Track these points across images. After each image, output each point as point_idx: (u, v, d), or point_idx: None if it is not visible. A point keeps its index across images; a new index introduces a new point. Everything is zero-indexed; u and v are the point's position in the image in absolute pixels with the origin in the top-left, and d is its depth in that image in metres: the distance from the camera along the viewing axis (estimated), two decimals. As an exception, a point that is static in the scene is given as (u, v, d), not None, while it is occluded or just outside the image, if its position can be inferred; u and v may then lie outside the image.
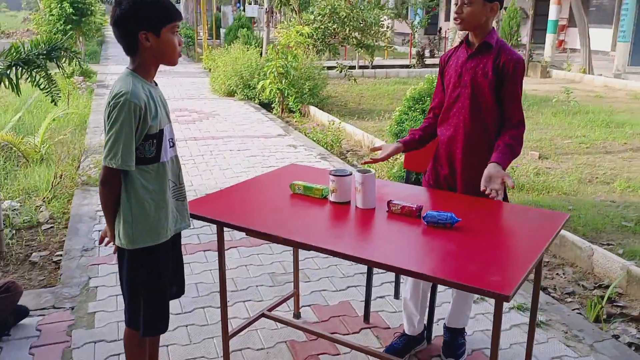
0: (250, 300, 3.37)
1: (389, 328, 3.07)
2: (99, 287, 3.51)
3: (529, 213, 2.41)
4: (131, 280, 2.13)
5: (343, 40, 11.56)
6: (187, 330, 3.05)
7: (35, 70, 4.25)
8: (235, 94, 10.57)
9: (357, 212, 2.36)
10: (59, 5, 12.93)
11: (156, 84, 2.15)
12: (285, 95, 9.45)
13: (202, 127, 8.08)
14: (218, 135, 7.52)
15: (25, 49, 4.20)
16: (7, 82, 4.12)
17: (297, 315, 3.18)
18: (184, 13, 24.48)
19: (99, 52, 18.81)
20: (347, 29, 11.00)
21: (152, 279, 2.14)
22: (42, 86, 4.35)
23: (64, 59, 4.44)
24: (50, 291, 3.48)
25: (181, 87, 11.85)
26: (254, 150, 6.79)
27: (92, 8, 13.54)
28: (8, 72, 4.13)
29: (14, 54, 4.10)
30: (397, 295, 3.37)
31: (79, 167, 5.99)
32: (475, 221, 2.23)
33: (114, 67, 15.36)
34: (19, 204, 5.14)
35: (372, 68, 15.41)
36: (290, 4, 11.98)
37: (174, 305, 3.27)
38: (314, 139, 7.47)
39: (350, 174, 2.42)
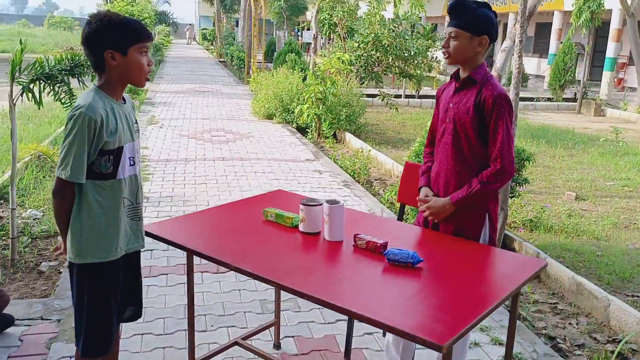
0: (234, 327, 3.29)
1: (370, 368, 2.93)
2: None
3: (504, 257, 2.25)
4: (78, 296, 2.11)
5: (386, 69, 11.50)
6: (163, 352, 3.00)
7: (57, 85, 4.39)
8: (274, 117, 10.66)
9: (324, 244, 2.27)
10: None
11: (125, 102, 2.15)
12: (322, 120, 9.45)
13: (233, 148, 8.15)
14: (246, 157, 7.56)
15: (49, 64, 4.34)
16: (29, 96, 4.28)
17: (277, 345, 3.08)
18: (240, 36, 25.07)
19: (154, 71, 19.46)
20: (390, 57, 10.94)
21: (97, 297, 2.11)
22: (63, 101, 4.49)
23: (88, 75, 4.56)
24: (42, 302, 3.52)
25: (224, 108, 12.06)
26: (278, 174, 6.77)
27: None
28: (31, 86, 4.29)
29: (38, 68, 4.25)
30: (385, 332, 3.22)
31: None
32: (441, 262, 2.10)
33: (166, 85, 15.83)
34: (41, 213, 5.29)
35: (418, 98, 15.28)
36: (337, 31, 12.05)
37: (158, 325, 3.26)
38: (342, 165, 7.39)
39: (321, 204, 2.34)
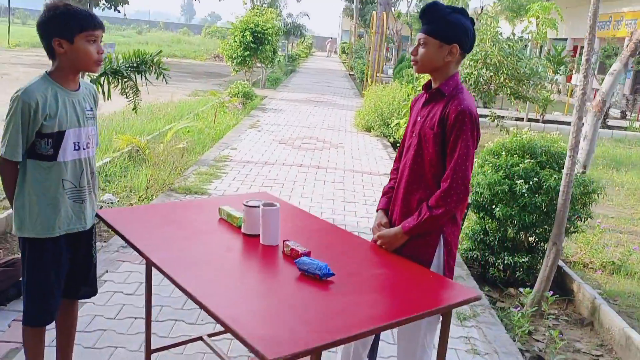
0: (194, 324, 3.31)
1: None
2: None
3: (433, 281, 2.02)
4: (22, 268, 2.26)
5: (497, 89, 10.94)
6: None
7: (124, 81, 4.77)
8: (372, 130, 10.60)
9: (259, 248, 2.22)
10: (242, 33, 14.31)
11: (79, 88, 2.27)
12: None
13: (316, 156, 8.24)
14: (324, 166, 7.60)
15: (118, 61, 4.74)
16: (99, 88, 4.69)
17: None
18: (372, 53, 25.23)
19: (281, 80, 20.28)
20: (502, 76, 10.38)
21: (36, 270, 2.25)
22: (128, 95, 4.86)
23: (152, 72, 4.90)
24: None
25: (329, 118, 12.24)
26: (347, 185, 6.72)
27: (269, 38, 14.71)
28: (102, 79, 4.70)
29: (107, 64, 4.65)
30: (372, 356, 3.05)
31: (180, 174, 6.52)
32: (355, 278, 1.96)
33: (285, 93, 16.43)
34: (116, 198, 5.75)
35: (542, 122, 14.34)
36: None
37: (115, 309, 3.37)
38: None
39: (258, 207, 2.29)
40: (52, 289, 2.30)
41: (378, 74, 17.26)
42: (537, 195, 4.19)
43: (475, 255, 4.67)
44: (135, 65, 4.72)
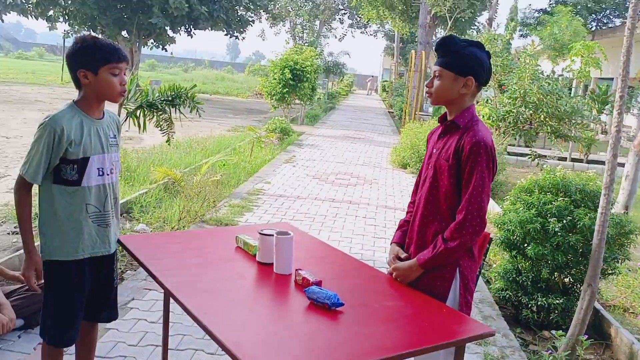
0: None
1: None
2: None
3: (449, 317, 1.96)
4: (45, 289, 2.32)
5: (538, 127, 10.77)
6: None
7: (159, 114, 4.93)
8: (408, 167, 10.55)
9: (272, 276, 2.22)
10: (281, 71, 14.62)
11: (103, 117, 2.36)
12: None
13: (350, 191, 8.23)
14: (356, 201, 7.57)
15: (154, 95, 4.90)
16: (135, 121, 4.85)
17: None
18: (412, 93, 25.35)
19: (320, 116, 20.51)
20: (542, 115, 10.23)
21: (61, 292, 2.29)
22: (162, 128, 5.01)
23: (186, 106, 5.04)
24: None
25: (364, 154, 12.26)
26: (379, 220, 6.67)
27: (308, 75, 14.96)
28: (138, 112, 4.86)
29: (144, 97, 4.82)
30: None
31: (213, 206, 6.61)
32: (365, 308, 1.93)
33: (324, 130, 16.58)
34: (150, 229, 5.86)
35: (586, 162, 13.99)
36: (490, 85, 11.66)
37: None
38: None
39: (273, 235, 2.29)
40: (75, 310, 2.35)
41: (418, 112, 17.27)
42: (571, 235, 4.06)
43: (507, 296, 4.52)
44: (170, 99, 4.87)
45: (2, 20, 23.35)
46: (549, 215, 4.17)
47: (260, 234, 2.30)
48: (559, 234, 4.05)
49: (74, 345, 2.52)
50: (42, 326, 2.39)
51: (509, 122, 10.85)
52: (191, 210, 6.18)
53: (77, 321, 2.38)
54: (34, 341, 3.26)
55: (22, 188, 2.25)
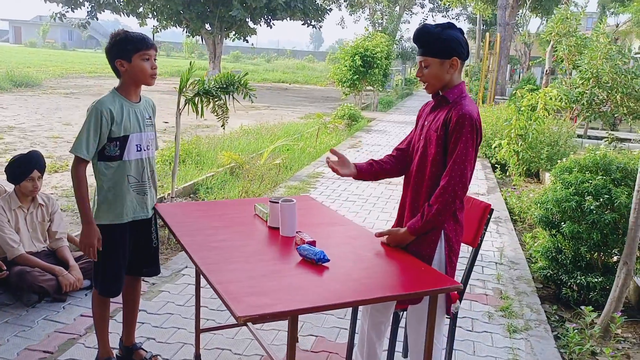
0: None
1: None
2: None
3: (424, 272, 2.17)
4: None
5: (614, 109, 10.33)
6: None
7: (215, 100, 5.33)
8: (474, 151, 10.46)
9: (279, 238, 2.51)
10: (352, 58, 14.84)
11: (140, 100, 2.73)
12: (520, 157, 9.01)
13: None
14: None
15: (210, 83, 5.30)
16: (193, 107, 5.28)
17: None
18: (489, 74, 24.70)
19: (394, 103, 20.52)
20: (617, 95, 9.81)
21: (108, 251, 2.71)
22: (217, 113, 5.41)
23: (239, 92, 5.42)
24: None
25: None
26: (432, 202, 6.78)
27: (378, 62, 15.07)
28: (196, 99, 5.29)
29: (200, 85, 5.24)
30: (405, 354, 3.19)
31: (272, 187, 7.00)
32: (348, 263, 2.19)
33: (396, 116, 16.65)
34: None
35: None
36: (562, 67, 11.29)
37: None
38: (510, 203, 7.02)
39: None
40: (120, 266, 2.76)
41: (497, 96, 16.91)
42: (606, 213, 4.05)
43: (549, 274, 4.56)
44: (224, 86, 5.26)
45: (97, 19, 25.07)
46: (585, 193, 4.18)
47: (270, 201, 2.60)
48: (594, 212, 4.06)
49: (121, 297, 2.94)
50: (94, 279, 2.82)
51: (583, 104, 10.49)
52: (249, 191, 6.60)
53: (122, 275, 2.80)
54: (74, 312, 3.62)
55: (78, 166, 2.63)
